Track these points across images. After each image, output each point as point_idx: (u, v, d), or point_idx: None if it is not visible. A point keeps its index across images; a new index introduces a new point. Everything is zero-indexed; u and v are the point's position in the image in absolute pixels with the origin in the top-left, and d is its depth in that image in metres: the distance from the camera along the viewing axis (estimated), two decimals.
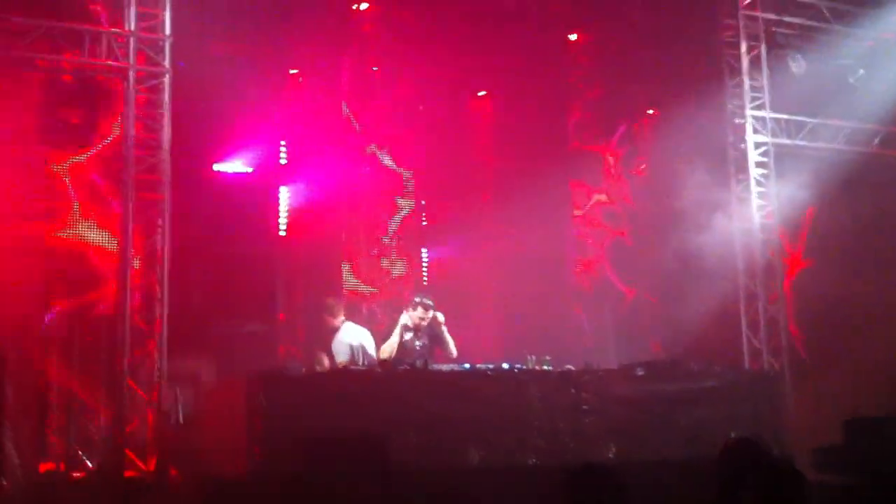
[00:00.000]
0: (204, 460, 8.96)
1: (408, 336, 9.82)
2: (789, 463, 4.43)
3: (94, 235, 10.37)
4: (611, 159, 14.31)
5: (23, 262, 10.10)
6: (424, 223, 13.58)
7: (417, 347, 9.76)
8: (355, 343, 10.17)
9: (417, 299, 10.04)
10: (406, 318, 9.83)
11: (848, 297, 13.08)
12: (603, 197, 14.36)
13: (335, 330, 10.20)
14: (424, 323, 9.88)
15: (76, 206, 10.40)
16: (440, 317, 9.81)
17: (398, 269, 13.17)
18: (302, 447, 7.76)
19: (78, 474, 9.55)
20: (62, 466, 9.67)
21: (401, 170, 13.34)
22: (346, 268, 12.87)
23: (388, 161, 13.29)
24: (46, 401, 9.99)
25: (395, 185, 13.40)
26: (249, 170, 12.53)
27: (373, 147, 13.20)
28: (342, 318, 10.31)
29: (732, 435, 9.28)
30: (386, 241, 13.12)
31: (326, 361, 10.28)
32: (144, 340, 9.68)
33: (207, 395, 9.49)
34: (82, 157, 10.37)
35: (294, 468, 7.74)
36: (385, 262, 13.07)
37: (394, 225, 13.24)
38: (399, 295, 12.62)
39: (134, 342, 9.58)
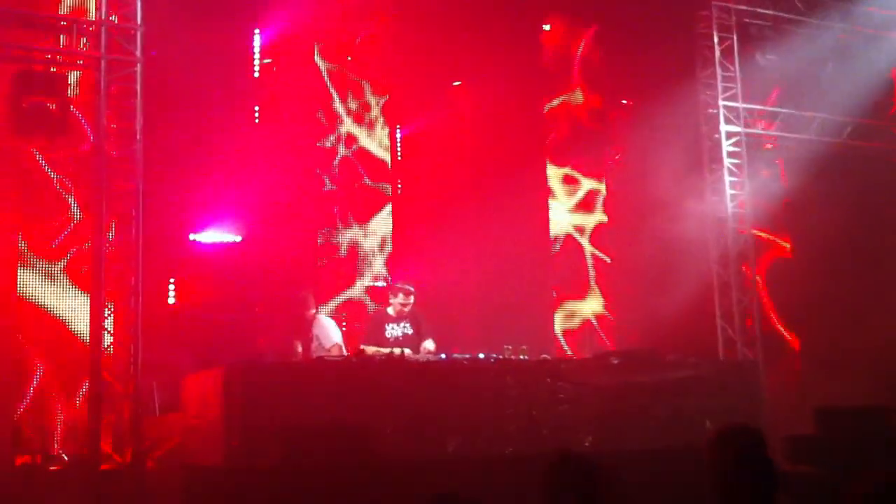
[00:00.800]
0: (181, 452, 8.93)
1: (389, 327, 9.81)
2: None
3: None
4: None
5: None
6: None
7: (399, 336, 9.73)
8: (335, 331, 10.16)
9: (399, 285, 10.05)
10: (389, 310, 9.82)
11: (822, 286, 13.23)
12: (592, 182, 14.36)
13: (310, 320, 10.13)
14: (406, 309, 9.87)
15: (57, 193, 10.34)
16: (430, 345, 9.75)
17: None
18: (280, 437, 7.74)
19: (54, 468, 9.48)
20: (38, 459, 9.60)
21: (384, 153, 13.30)
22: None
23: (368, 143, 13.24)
24: (22, 393, 9.91)
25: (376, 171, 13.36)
26: None
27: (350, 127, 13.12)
28: (314, 310, 10.27)
29: (707, 424, 9.45)
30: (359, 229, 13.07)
31: (300, 349, 10.21)
32: (120, 331, 9.62)
33: (184, 386, 9.42)
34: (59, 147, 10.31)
35: (272, 458, 7.72)
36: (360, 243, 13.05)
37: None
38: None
39: (111, 333, 9.52)
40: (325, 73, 13.03)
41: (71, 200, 10.50)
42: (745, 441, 4.06)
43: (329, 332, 10.00)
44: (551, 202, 14.12)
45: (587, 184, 14.37)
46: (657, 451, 8.87)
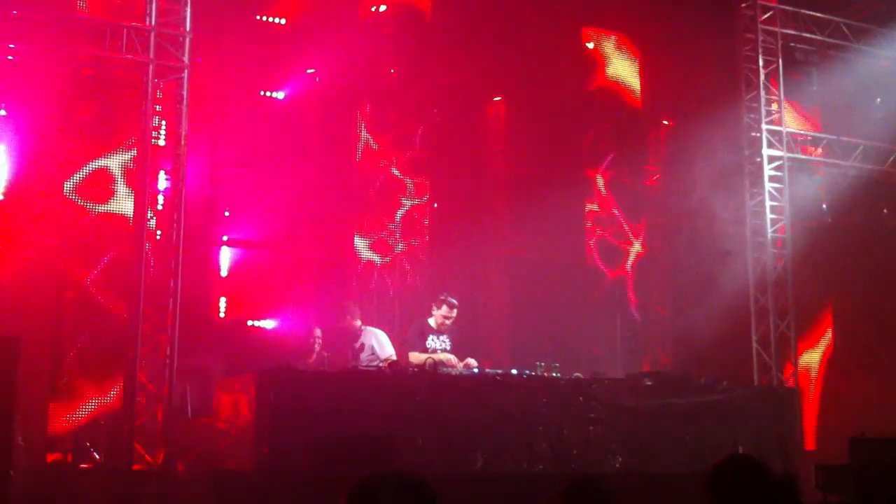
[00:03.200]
0: (211, 456, 8.98)
1: (430, 338, 9.81)
2: (791, 484, 4.42)
3: (125, 208, 10.40)
4: (600, 179, 14.25)
5: (36, 256, 10.16)
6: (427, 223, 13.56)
7: (438, 349, 9.72)
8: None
9: (442, 297, 9.94)
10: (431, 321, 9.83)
11: (859, 313, 13.10)
12: (594, 206, 14.32)
13: (356, 331, 10.12)
14: (448, 322, 9.84)
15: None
16: (473, 362, 9.68)
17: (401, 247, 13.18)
18: (309, 445, 7.77)
19: (85, 465, 9.57)
20: (69, 458, 9.69)
21: (406, 178, 13.34)
22: (361, 242, 12.86)
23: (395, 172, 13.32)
24: (57, 391, 10.02)
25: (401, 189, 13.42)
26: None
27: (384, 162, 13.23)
28: (359, 321, 10.23)
29: (740, 450, 9.38)
30: (392, 227, 13.12)
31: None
32: (155, 334, 9.71)
33: (217, 391, 9.48)
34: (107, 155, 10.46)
35: (301, 466, 7.75)
36: (392, 241, 13.09)
37: (398, 218, 13.24)
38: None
39: (145, 336, 9.61)
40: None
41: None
42: (745, 472, 4.01)
43: (384, 345, 10.03)
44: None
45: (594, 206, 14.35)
46: (686, 475, 8.79)
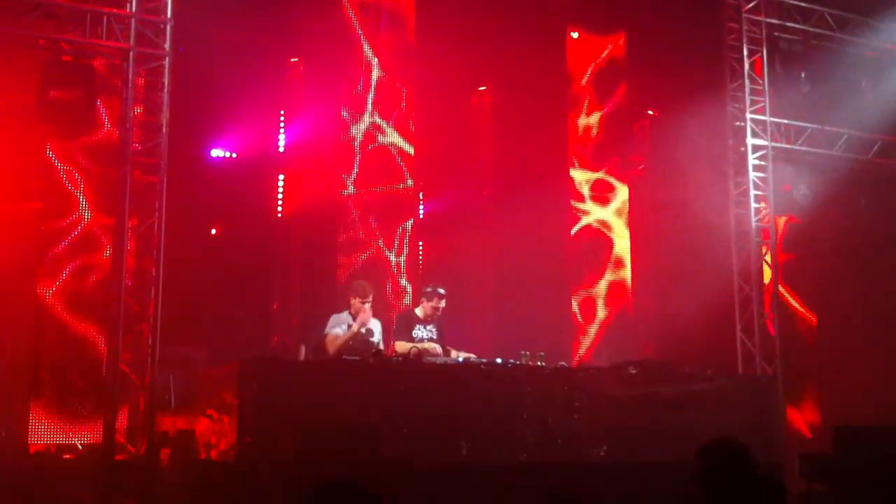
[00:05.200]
0: (194, 446, 8.92)
1: (417, 328, 9.76)
2: (772, 472, 4.43)
3: (91, 216, 10.33)
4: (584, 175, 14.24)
5: (16, 240, 10.08)
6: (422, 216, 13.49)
7: (425, 339, 9.67)
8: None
9: (430, 288, 9.90)
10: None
11: (842, 303, 13.14)
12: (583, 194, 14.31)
13: (357, 310, 9.77)
14: (437, 312, 9.80)
15: (73, 186, 10.37)
16: (460, 356, 9.57)
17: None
18: (293, 434, 7.74)
19: (68, 456, 9.51)
20: (52, 448, 9.62)
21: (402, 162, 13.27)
22: None
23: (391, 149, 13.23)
24: (38, 381, 9.93)
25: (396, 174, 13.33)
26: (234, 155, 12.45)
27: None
28: (368, 302, 9.75)
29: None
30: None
31: (304, 352, 10.15)
32: (137, 323, 9.65)
33: (199, 380, 9.43)
34: (80, 139, 10.34)
35: (284, 455, 7.72)
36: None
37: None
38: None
39: (127, 325, 9.55)
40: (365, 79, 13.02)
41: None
42: (727, 455, 4.02)
43: (377, 333, 9.97)
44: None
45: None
46: (671, 464, 8.78)
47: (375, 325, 9.90)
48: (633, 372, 9.80)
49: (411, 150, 12.98)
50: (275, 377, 8.29)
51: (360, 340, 9.53)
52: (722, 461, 3.98)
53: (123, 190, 9.73)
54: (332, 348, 9.46)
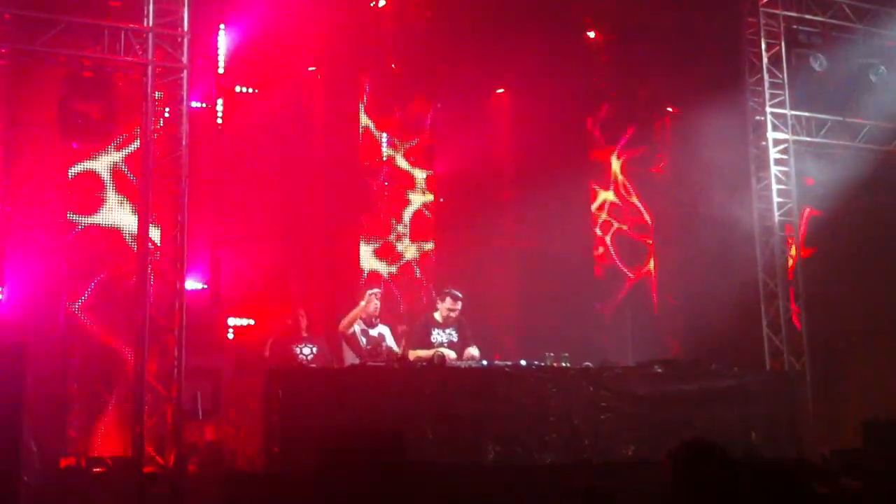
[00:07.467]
0: (222, 456, 8.97)
1: (435, 332, 9.79)
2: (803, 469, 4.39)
3: (121, 222, 10.43)
4: (616, 162, 14.26)
5: (45, 255, 10.17)
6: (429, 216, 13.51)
7: (444, 342, 9.70)
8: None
9: (446, 290, 9.95)
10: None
11: (867, 297, 13.01)
12: (610, 195, 14.33)
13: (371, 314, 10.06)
14: (453, 315, 9.80)
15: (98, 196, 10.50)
16: (475, 351, 9.63)
17: (411, 254, 13.12)
18: (319, 443, 7.75)
19: (98, 470, 9.57)
20: (83, 462, 9.70)
21: (415, 170, 13.31)
22: (365, 249, 12.81)
23: (402, 163, 13.27)
24: (67, 395, 10.02)
25: (408, 183, 13.37)
26: None
27: (388, 151, 13.19)
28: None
29: (752, 436, 9.32)
30: (400, 228, 13.08)
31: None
32: (163, 335, 9.68)
33: (225, 391, 9.47)
34: (103, 153, 10.47)
35: (311, 464, 7.73)
36: (400, 247, 13.03)
37: (406, 218, 13.19)
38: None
39: (152, 336, 9.59)
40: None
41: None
42: (701, 457, 4.00)
43: (392, 339, 10.09)
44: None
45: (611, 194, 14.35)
46: None
47: (385, 330, 9.97)
48: (659, 370, 9.77)
49: (429, 167, 13.08)
50: (299, 386, 8.33)
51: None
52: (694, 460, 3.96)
53: (145, 203, 9.79)
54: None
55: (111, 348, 10.15)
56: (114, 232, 10.69)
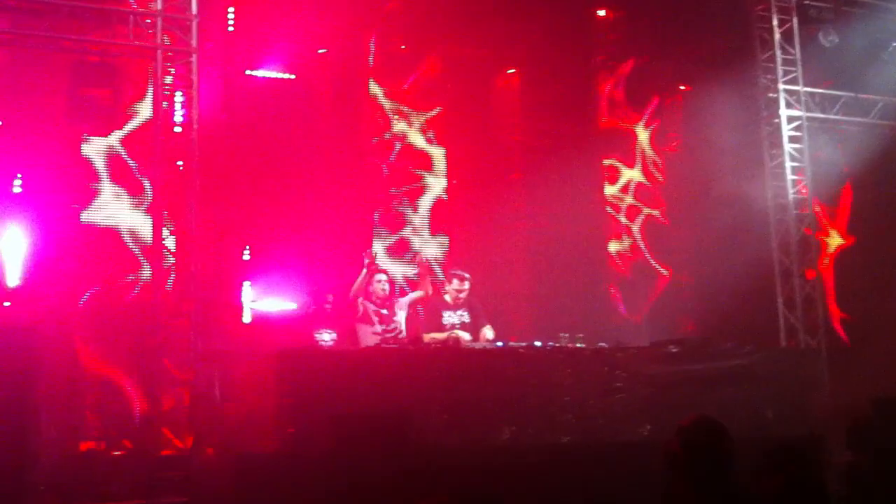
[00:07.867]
0: (238, 438, 9.01)
1: (447, 315, 9.79)
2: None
3: (127, 216, 10.47)
4: (643, 134, 14.18)
5: (57, 241, 10.19)
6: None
7: (457, 324, 9.70)
8: None
9: (451, 271, 10.05)
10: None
11: (885, 274, 12.95)
12: (636, 174, 14.22)
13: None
14: (462, 296, 9.81)
15: (109, 186, 10.50)
16: (489, 332, 9.65)
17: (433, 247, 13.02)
18: (333, 424, 7.77)
19: (117, 452, 9.63)
20: (102, 445, 9.76)
21: (430, 147, 13.23)
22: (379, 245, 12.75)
23: (416, 139, 13.19)
24: (84, 380, 10.07)
25: (424, 163, 13.28)
26: None
27: (401, 125, 13.10)
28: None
29: (769, 414, 9.30)
30: (417, 219, 13.02)
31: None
32: (179, 319, 9.71)
33: (240, 373, 9.50)
34: (112, 138, 10.47)
35: (326, 445, 7.76)
36: (416, 240, 12.96)
37: (425, 203, 13.11)
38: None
39: (168, 321, 9.62)
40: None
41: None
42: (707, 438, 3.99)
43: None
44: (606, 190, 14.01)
45: (628, 174, 14.23)
46: None
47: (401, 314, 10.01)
48: (674, 350, 9.74)
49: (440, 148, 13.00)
50: (313, 367, 8.35)
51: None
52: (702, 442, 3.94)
53: (158, 188, 9.81)
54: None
55: (128, 331, 10.17)
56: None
